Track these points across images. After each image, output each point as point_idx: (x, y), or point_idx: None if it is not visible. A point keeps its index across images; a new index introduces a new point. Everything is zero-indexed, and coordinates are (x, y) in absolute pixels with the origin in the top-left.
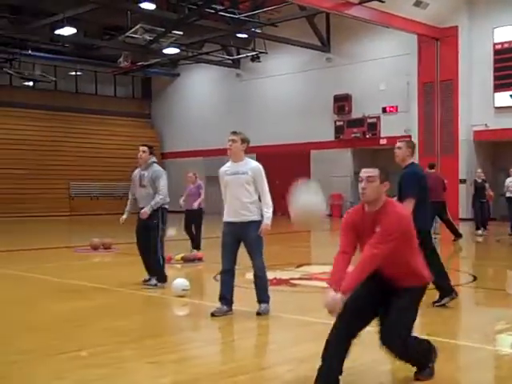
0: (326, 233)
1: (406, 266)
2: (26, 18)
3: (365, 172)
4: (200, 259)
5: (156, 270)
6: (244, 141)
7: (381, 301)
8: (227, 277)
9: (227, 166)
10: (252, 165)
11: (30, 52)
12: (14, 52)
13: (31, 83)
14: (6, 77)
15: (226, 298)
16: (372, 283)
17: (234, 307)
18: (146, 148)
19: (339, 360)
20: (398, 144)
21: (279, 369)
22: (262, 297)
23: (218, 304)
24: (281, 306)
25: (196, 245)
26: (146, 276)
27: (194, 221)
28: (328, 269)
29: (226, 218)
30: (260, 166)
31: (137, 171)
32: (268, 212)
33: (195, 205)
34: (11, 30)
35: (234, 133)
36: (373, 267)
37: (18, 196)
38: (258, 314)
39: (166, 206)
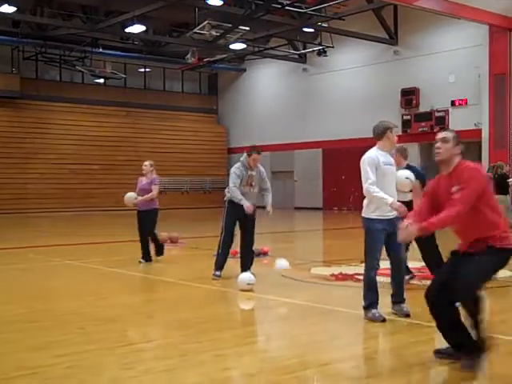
0: None
1: (484, 223)
2: (98, 17)
3: (440, 134)
4: (266, 253)
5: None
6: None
7: None
8: (375, 276)
9: (380, 154)
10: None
11: (101, 50)
12: (85, 50)
13: (102, 80)
14: (78, 74)
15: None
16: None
17: (300, 302)
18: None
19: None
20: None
21: (343, 365)
22: (402, 295)
23: (294, 300)
24: (346, 301)
25: (159, 250)
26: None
27: (146, 224)
28: None
29: (382, 212)
30: None
31: (240, 167)
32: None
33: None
34: (83, 28)
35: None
36: (454, 221)
37: (89, 191)
38: (407, 315)
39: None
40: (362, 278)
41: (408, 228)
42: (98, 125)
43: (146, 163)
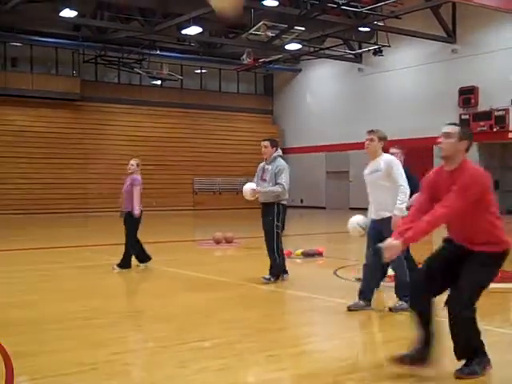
0: None
1: (479, 228)
2: (155, 20)
3: (444, 129)
4: (320, 254)
5: (274, 266)
6: (381, 139)
7: (456, 267)
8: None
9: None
10: (385, 158)
11: (158, 52)
12: (143, 52)
13: (159, 82)
14: (136, 76)
15: (365, 292)
16: (449, 249)
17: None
18: (267, 142)
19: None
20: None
21: (398, 367)
22: (396, 292)
23: (349, 301)
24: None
25: (139, 258)
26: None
27: (125, 228)
28: None
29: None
30: (393, 158)
31: (262, 164)
32: (399, 201)
33: (136, 208)
34: (141, 31)
35: (372, 131)
36: (439, 223)
37: (144, 191)
38: (390, 309)
39: (284, 202)
40: None
41: (392, 245)
42: (155, 126)
43: (133, 162)
